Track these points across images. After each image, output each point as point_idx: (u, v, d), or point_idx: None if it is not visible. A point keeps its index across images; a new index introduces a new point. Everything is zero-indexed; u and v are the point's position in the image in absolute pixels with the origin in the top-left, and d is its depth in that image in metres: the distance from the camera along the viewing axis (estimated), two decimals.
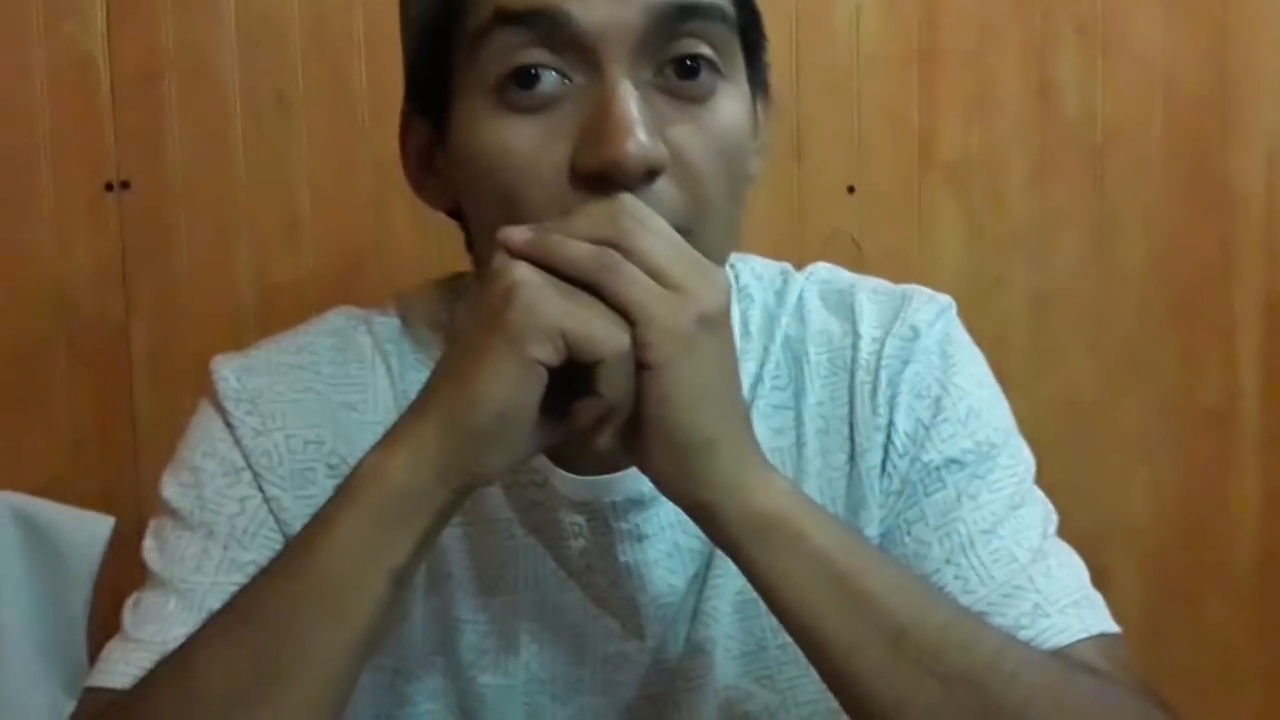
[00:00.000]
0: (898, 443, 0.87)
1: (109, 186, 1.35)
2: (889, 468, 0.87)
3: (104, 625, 1.31)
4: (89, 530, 1.29)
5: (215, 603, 0.79)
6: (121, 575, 1.35)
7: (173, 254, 1.36)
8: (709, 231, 0.77)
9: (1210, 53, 1.49)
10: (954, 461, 0.86)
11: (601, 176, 0.72)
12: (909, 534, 0.86)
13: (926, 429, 0.87)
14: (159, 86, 1.35)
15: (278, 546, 0.83)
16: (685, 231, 0.75)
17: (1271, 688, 1.57)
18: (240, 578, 0.81)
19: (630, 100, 0.73)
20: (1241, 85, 1.50)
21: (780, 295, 0.92)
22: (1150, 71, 1.49)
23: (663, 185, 0.74)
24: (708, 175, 0.76)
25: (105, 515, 1.31)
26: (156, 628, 0.80)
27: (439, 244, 1.37)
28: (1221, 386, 1.53)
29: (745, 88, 0.80)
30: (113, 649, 0.82)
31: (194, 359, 1.35)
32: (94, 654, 1.26)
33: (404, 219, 1.37)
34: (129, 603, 0.84)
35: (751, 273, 0.93)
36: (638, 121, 0.72)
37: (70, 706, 1.24)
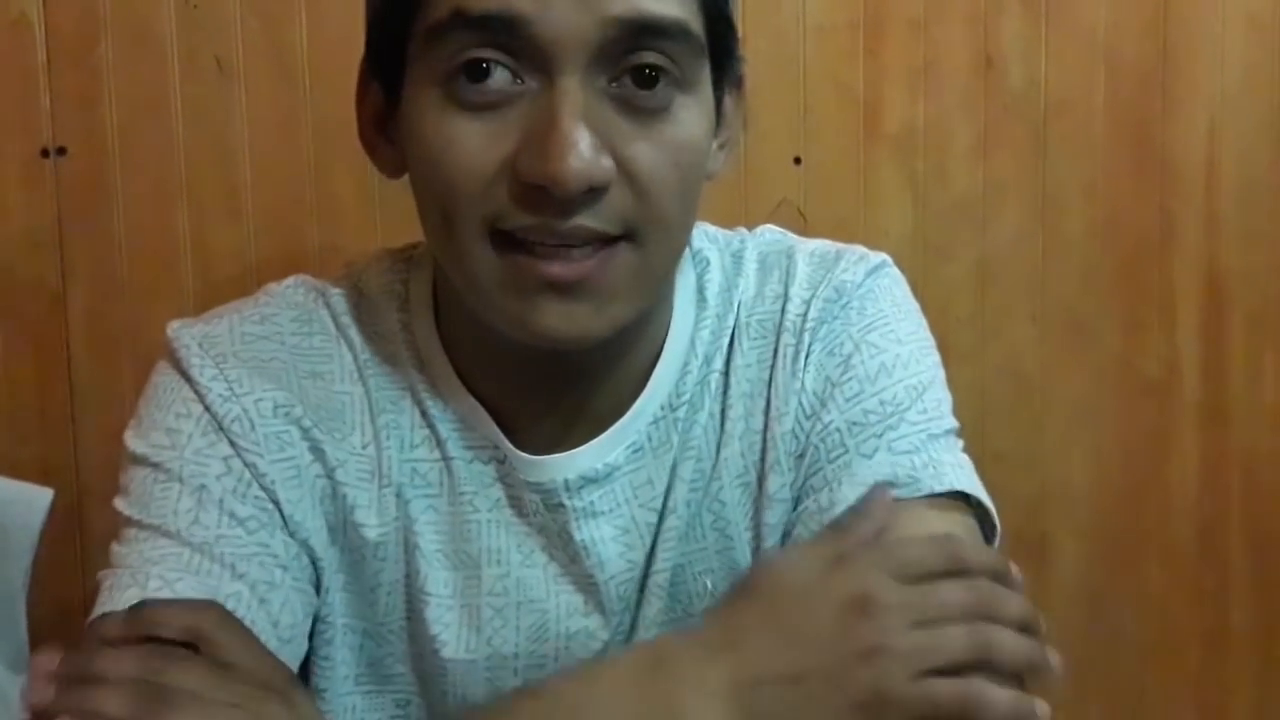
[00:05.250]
0: (805, 404, 0.86)
1: (45, 152, 1.33)
2: (796, 430, 0.87)
3: (43, 599, 1.29)
4: (27, 502, 1.27)
5: (234, 559, 0.79)
6: (61, 549, 1.33)
7: (110, 221, 1.34)
8: (657, 241, 0.78)
9: (1152, 24, 1.50)
10: (855, 424, 0.85)
11: (540, 189, 0.73)
12: (814, 500, 0.85)
13: (834, 386, 0.86)
14: (95, 50, 1.33)
15: (269, 507, 0.83)
16: (631, 239, 0.76)
17: (1210, 652, 1.59)
18: (241, 532, 0.81)
19: (576, 115, 0.73)
20: (1182, 57, 1.51)
21: (738, 258, 0.92)
22: (1093, 43, 1.50)
23: (610, 197, 0.74)
24: (658, 188, 0.76)
25: (44, 487, 1.29)
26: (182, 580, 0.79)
27: (381, 209, 1.36)
28: (1162, 356, 1.55)
29: (707, 96, 0.80)
30: (116, 584, 0.79)
31: (132, 327, 1.34)
32: (34, 629, 1.25)
33: (346, 184, 1.36)
34: (114, 548, 0.82)
35: (706, 237, 0.93)
36: (581, 138, 0.72)
37: (13, 682, 1.24)
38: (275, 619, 0.80)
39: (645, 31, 0.74)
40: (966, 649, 0.72)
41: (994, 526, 0.86)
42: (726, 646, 0.72)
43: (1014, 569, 0.78)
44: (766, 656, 0.72)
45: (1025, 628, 0.75)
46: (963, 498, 0.84)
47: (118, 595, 0.78)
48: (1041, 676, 0.74)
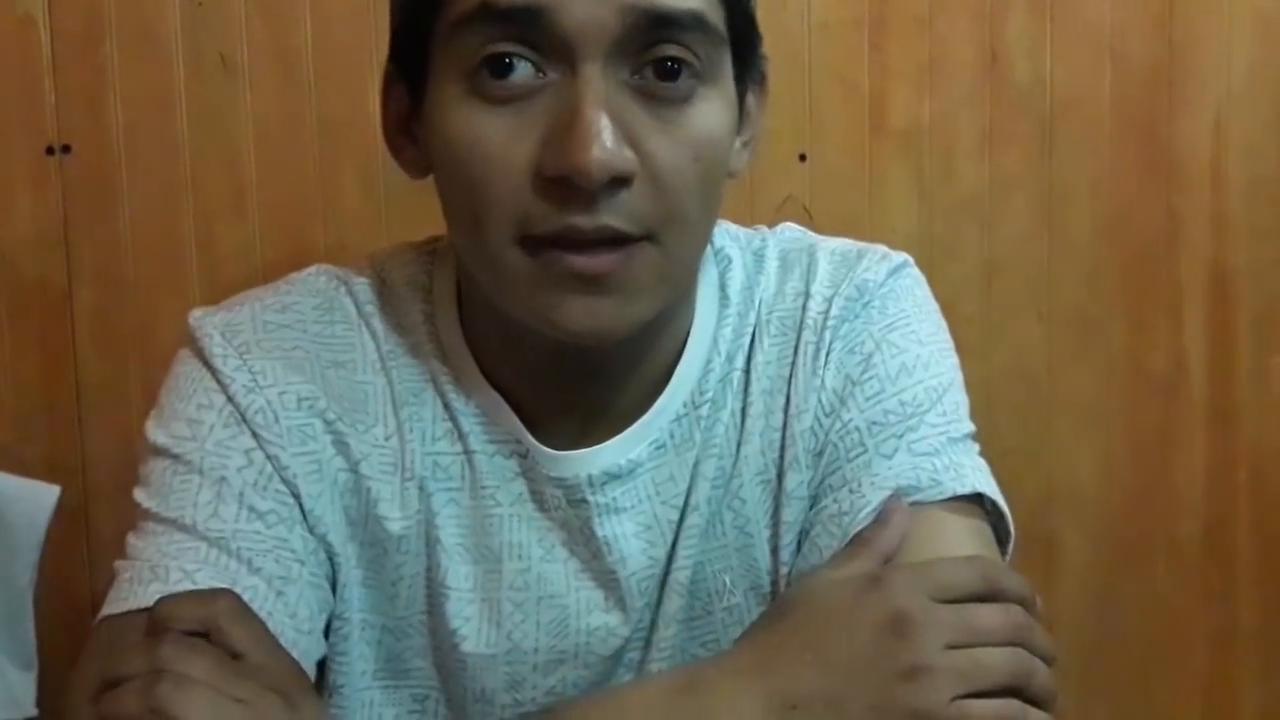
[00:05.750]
0: (824, 402, 0.86)
1: (50, 150, 1.33)
2: (815, 428, 0.86)
3: (49, 597, 1.29)
4: (34, 500, 1.28)
5: (251, 554, 0.79)
6: (68, 546, 1.33)
7: (115, 218, 1.34)
8: (678, 239, 0.77)
9: (1158, 21, 1.50)
10: (875, 424, 0.85)
11: (565, 181, 0.73)
12: (834, 500, 0.84)
13: (854, 385, 0.86)
14: (100, 48, 1.33)
15: (290, 502, 0.82)
16: (654, 239, 0.76)
17: (1218, 651, 1.59)
18: (260, 526, 0.80)
19: (599, 105, 0.73)
20: (1189, 53, 1.51)
21: (759, 256, 0.91)
22: (1099, 39, 1.49)
23: (632, 193, 0.74)
24: (680, 183, 0.76)
25: (51, 484, 1.29)
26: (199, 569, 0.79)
27: (386, 207, 1.36)
28: (1169, 353, 1.55)
29: (729, 90, 0.80)
30: (136, 577, 0.79)
31: (138, 324, 1.34)
32: (41, 627, 1.26)
33: (351, 182, 1.36)
34: (131, 540, 0.82)
35: (727, 235, 0.92)
36: (605, 128, 0.72)
37: (21, 679, 1.25)
38: (293, 610, 0.80)
39: (664, 22, 0.74)
40: (1007, 674, 0.72)
41: (1008, 531, 0.86)
42: (761, 671, 0.72)
43: (1038, 599, 0.78)
44: (802, 680, 0.72)
45: (1047, 660, 0.75)
46: (978, 502, 0.85)
47: (140, 590, 0.78)
48: (1054, 710, 0.75)
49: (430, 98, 0.79)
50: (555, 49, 0.74)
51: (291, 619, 0.80)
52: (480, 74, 0.75)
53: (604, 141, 0.72)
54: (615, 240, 0.75)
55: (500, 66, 0.74)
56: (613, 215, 0.74)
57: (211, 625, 0.70)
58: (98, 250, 1.35)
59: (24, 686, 1.25)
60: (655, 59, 0.75)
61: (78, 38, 1.32)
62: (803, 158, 1.46)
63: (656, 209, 0.75)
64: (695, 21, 0.75)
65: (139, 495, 0.83)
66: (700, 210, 0.78)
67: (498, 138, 0.74)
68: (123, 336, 1.35)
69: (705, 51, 0.76)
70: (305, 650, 0.80)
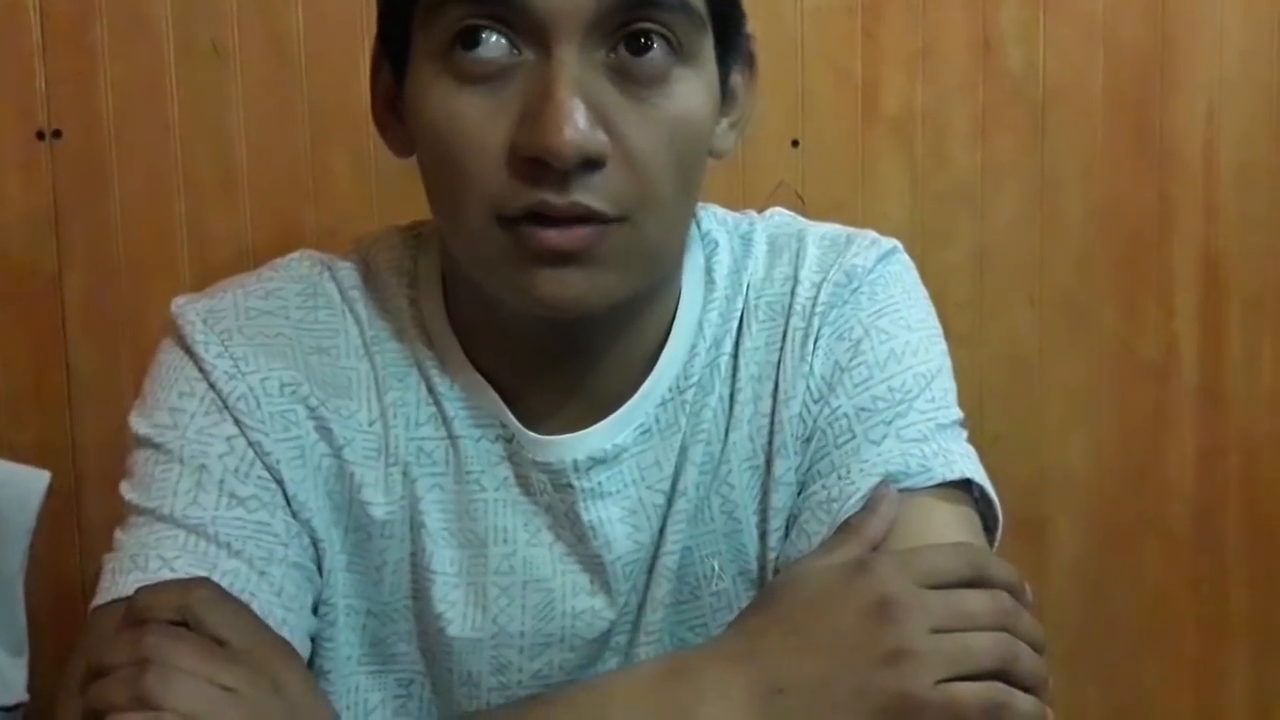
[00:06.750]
0: (813, 388, 0.86)
1: (40, 135, 1.33)
2: (803, 414, 0.86)
3: (40, 582, 1.29)
4: (24, 485, 1.27)
5: (231, 539, 0.79)
6: (58, 532, 1.33)
7: (106, 203, 1.34)
8: (652, 221, 0.77)
9: (1151, 8, 1.50)
10: (864, 410, 0.85)
11: (538, 161, 0.73)
12: (822, 486, 0.84)
13: (842, 372, 0.86)
14: (90, 33, 1.32)
15: (272, 487, 0.82)
16: (627, 220, 0.76)
17: (1207, 636, 1.60)
18: (242, 512, 0.81)
19: (572, 87, 0.73)
20: (1181, 40, 1.51)
21: (746, 240, 0.91)
22: (1092, 26, 1.49)
23: (606, 173, 0.74)
24: (654, 163, 0.76)
25: (41, 470, 1.29)
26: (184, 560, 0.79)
27: (377, 192, 1.36)
28: (1159, 339, 1.55)
29: (709, 71, 0.80)
30: (118, 568, 0.80)
31: (129, 309, 1.34)
32: (32, 613, 1.25)
33: (342, 167, 1.36)
34: (117, 534, 0.82)
35: (714, 219, 0.92)
36: (577, 108, 0.72)
37: (12, 664, 1.25)
38: (279, 588, 0.80)
39: (641, 2, 0.74)
40: (992, 657, 0.73)
41: (996, 518, 0.86)
42: (747, 656, 0.73)
43: (1028, 588, 0.78)
44: (788, 664, 0.72)
45: (1036, 646, 0.75)
46: (966, 488, 0.85)
47: (120, 579, 0.78)
48: (1046, 697, 0.75)
49: (410, 77, 0.79)
50: (530, 29, 0.74)
51: (279, 596, 0.80)
52: (454, 50, 0.75)
53: (576, 123, 0.72)
54: (588, 218, 0.75)
55: (471, 39, 0.74)
56: (586, 194, 0.74)
57: (189, 614, 0.70)
58: (88, 235, 1.34)
59: (14, 671, 1.25)
60: (629, 34, 0.75)
61: (68, 22, 1.32)
62: (795, 144, 1.46)
63: (631, 190, 0.75)
64: (673, 1, 0.75)
65: (124, 488, 0.83)
66: (676, 192, 0.78)
67: (473, 116, 0.75)
68: (113, 321, 1.35)
69: (683, 30, 0.76)
70: (295, 626, 0.81)
